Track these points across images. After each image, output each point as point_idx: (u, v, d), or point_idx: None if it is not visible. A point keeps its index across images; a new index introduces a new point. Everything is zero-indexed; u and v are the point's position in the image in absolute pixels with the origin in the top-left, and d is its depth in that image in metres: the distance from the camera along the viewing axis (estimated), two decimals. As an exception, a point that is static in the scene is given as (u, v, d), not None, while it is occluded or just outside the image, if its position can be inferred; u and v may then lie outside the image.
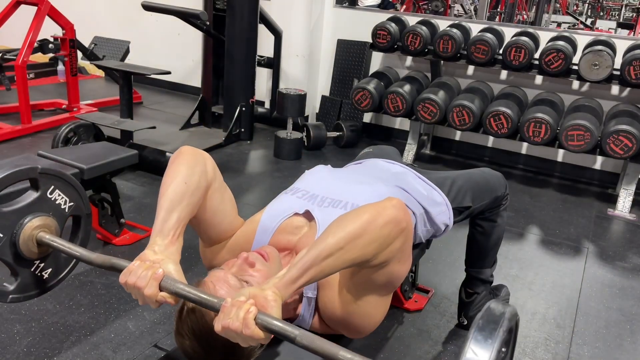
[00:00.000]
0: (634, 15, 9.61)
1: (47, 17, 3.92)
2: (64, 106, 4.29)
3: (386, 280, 1.14)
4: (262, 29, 4.11)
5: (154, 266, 1.02)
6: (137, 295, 1.02)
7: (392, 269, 1.11)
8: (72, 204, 1.32)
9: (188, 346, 1.08)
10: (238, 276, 1.14)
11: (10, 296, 1.25)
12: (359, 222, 1.03)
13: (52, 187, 1.27)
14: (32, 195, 1.24)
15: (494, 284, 2.01)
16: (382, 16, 4.16)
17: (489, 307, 0.86)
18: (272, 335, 0.93)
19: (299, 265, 0.98)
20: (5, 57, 3.92)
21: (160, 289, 1.01)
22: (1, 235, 1.18)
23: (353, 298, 1.18)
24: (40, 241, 1.22)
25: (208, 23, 3.90)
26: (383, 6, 6.13)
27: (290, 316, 1.28)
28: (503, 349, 0.82)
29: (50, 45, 4.09)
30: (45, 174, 1.25)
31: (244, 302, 0.91)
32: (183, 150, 1.24)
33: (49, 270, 1.32)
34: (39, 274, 1.30)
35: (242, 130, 4.06)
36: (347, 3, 4.61)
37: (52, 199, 1.28)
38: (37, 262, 1.28)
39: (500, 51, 3.58)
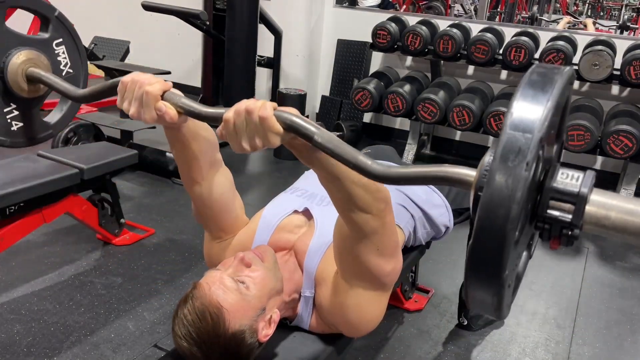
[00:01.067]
0: (634, 15, 9.61)
1: (47, 17, 3.92)
2: (64, 106, 4.29)
3: (367, 269, 1.13)
4: (262, 29, 4.11)
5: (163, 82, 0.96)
6: (136, 96, 0.93)
7: (370, 256, 1.10)
8: (70, 71, 1.25)
9: (186, 349, 1.08)
10: (234, 277, 1.14)
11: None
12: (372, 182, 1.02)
13: (61, 39, 1.21)
14: (39, 35, 1.18)
15: (494, 284, 2.00)
16: (382, 16, 4.16)
17: (537, 65, 0.70)
18: (291, 135, 0.84)
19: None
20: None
21: (163, 99, 0.93)
22: None
23: (344, 290, 1.18)
24: (31, 75, 1.15)
25: (208, 23, 3.90)
26: (383, 6, 6.12)
27: (288, 315, 1.28)
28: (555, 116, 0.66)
29: (50, 45, 4.09)
30: (61, 22, 1.19)
31: (258, 100, 0.86)
32: None
33: (20, 124, 1.24)
34: (8, 120, 1.21)
35: (242, 130, 4.05)
36: (347, 3, 4.61)
37: (56, 52, 1.21)
38: (13, 106, 1.19)
39: (501, 51, 3.58)
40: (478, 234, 0.63)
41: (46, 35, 1.19)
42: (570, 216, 0.65)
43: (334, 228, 1.18)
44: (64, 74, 1.25)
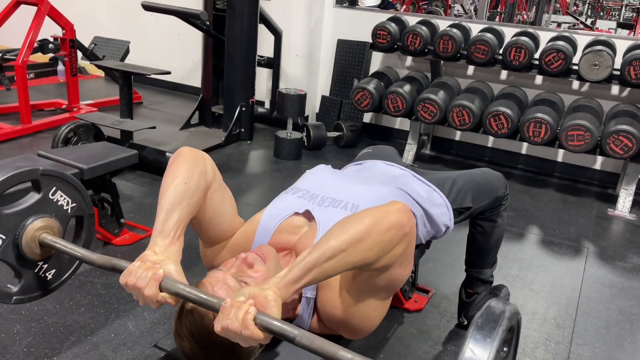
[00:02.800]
0: (634, 15, 9.60)
1: (47, 17, 3.92)
2: (64, 106, 4.29)
3: (387, 283, 1.14)
4: (262, 29, 4.11)
5: (155, 267, 1.02)
6: (137, 295, 1.02)
7: (393, 272, 1.11)
8: (74, 204, 1.32)
9: (187, 347, 1.08)
10: (237, 277, 1.14)
11: (15, 297, 1.25)
12: (362, 225, 1.02)
13: (54, 188, 1.27)
14: (34, 197, 1.24)
15: (494, 284, 2.01)
16: (382, 16, 4.16)
17: (489, 305, 0.85)
18: (272, 335, 0.92)
19: (301, 266, 0.98)
20: (5, 57, 3.92)
21: (161, 289, 1.01)
22: (4, 237, 1.18)
23: (353, 300, 1.17)
24: (42, 242, 1.22)
25: (208, 23, 3.90)
26: (383, 6, 6.12)
27: (289, 316, 1.28)
28: (504, 349, 0.81)
29: (50, 45, 4.09)
30: (46, 175, 1.25)
31: (243, 303, 0.91)
32: (182, 152, 1.24)
33: (52, 271, 1.32)
34: (42, 275, 1.30)
35: (242, 130, 4.06)
36: (347, 3, 4.61)
37: (54, 200, 1.28)
38: (41, 263, 1.28)
39: (500, 51, 3.58)
40: None
41: (39, 195, 1.25)
42: None
43: None
44: (69, 211, 1.33)
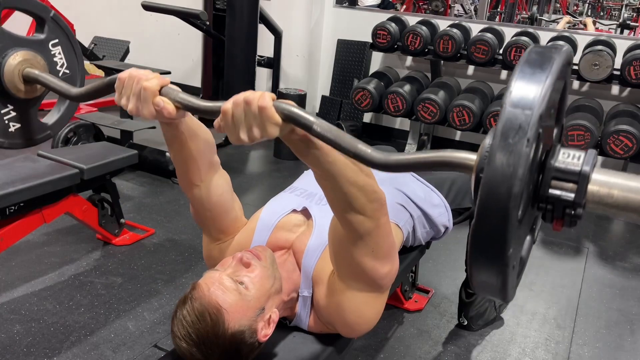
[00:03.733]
0: (634, 15, 9.60)
1: (47, 17, 3.92)
2: (64, 106, 4.29)
3: (362, 271, 1.13)
4: (262, 29, 4.11)
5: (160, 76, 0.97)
6: (133, 92, 0.94)
7: (365, 258, 1.10)
8: (67, 71, 1.25)
9: (185, 349, 1.07)
10: (233, 277, 1.14)
11: None
12: (370, 171, 1.02)
13: (57, 40, 1.20)
14: (35, 36, 1.18)
15: (494, 284, 2.00)
16: (382, 16, 4.16)
17: (534, 46, 0.72)
18: (290, 124, 0.84)
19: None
20: (5, 57, 3.92)
21: (161, 94, 0.93)
22: None
23: (340, 290, 1.18)
24: (27, 76, 1.15)
25: (208, 23, 3.90)
26: (383, 6, 6.12)
27: (287, 315, 1.28)
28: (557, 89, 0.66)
29: (50, 45, 4.09)
30: (56, 22, 1.18)
31: (256, 92, 0.86)
32: None
33: (17, 125, 1.24)
34: (5, 121, 1.21)
35: (242, 130, 4.05)
36: (347, 3, 4.61)
37: (52, 52, 1.21)
38: (10, 107, 1.19)
39: (501, 51, 3.58)
40: (480, 212, 0.62)
41: (42, 36, 1.18)
42: (572, 195, 0.64)
43: (329, 228, 1.18)
44: (60, 74, 1.25)
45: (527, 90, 0.62)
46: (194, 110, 0.92)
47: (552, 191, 0.65)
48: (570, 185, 0.64)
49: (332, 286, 1.19)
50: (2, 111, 1.20)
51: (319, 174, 1.00)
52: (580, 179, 0.63)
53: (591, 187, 0.64)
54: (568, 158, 0.65)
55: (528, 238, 0.76)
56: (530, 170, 0.61)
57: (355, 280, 1.16)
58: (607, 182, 0.64)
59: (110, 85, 1.00)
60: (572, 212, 0.64)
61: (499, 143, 0.60)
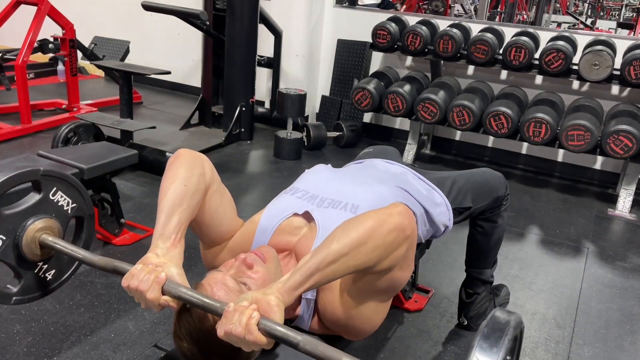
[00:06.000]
0: (634, 15, 9.60)
1: (47, 17, 3.92)
2: (64, 106, 4.29)
3: (387, 285, 1.14)
4: (262, 29, 4.11)
5: (157, 270, 1.02)
6: (139, 299, 1.02)
7: (394, 275, 1.11)
8: (74, 205, 1.32)
9: (186, 349, 1.08)
10: (236, 278, 1.14)
11: (14, 298, 1.25)
12: (363, 228, 1.02)
13: (55, 188, 1.27)
14: (34, 198, 1.24)
15: (494, 284, 2.01)
16: (382, 16, 4.16)
17: (494, 315, 0.86)
18: (274, 341, 0.93)
19: (303, 271, 0.98)
20: (5, 57, 3.92)
21: (163, 292, 1.01)
22: (4, 238, 1.18)
23: (354, 302, 1.17)
24: (43, 243, 1.22)
25: (208, 23, 3.90)
26: (383, 6, 6.13)
27: (289, 317, 1.28)
28: (508, 357, 0.82)
29: (50, 45, 4.08)
30: (47, 176, 1.24)
31: (246, 308, 0.91)
32: (181, 153, 1.24)
33: (52, 271, 1.32)
34: (42, 276, 1.30)
35: (242, 130, 4.06)
36: (347, 3, 4.61)
37: (55, 200, 1.27)
38: (40, 263, 1.28)
39: (500, 51, 3.58)
40: None
41: (39, 196, 1.25)
42: None
43: None
44: (70, 212, 1.33)
45: None
46: (194, 306, 1.00)
47: None
48: None
49: (344, 297, 1.19)
50: (36, 271, 1.29)
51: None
52: None
53: None
54: None
55: None
56: None
57: (372, 295, 1.17)
58: None
59: (119, 272, 1.10)
60: None
61: None
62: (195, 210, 1.19)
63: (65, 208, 1.30)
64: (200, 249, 1.43)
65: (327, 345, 0.88)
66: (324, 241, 1.03)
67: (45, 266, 1.29)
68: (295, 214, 1.37)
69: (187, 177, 1.18)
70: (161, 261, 1.04)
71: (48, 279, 1.32)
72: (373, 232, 1.01)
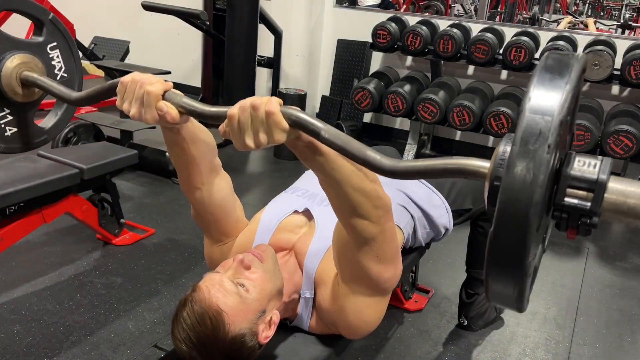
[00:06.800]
0: (634, 15, 9.60)
1: (47, 17, 3.91)
2: (64, 106, 4.29)
3: (366, 275, 1.13)
4: (262, 29, 4.11)
5: (162, 80, 0.96)
6: (136, 96, 0.92)
7: (370, 263, 1.10)
8: (65, 75, 1.23)
9: (185, 352, 1.07)
10: (234, 279, 1.13)
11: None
12: (375, 176, 1.02)
13: (55, 43, 1.19)
14: (34, 39, 1.16)
15: (494, 284, 2.00)
16: (382, 16, 4.16)
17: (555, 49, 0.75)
18: (298, 130, 0.84)
19: (318, 142, 0.90)
20: (5, 57, 3.91)
21: (164, 98, 0.93)
22: None
23: (344, 294, 1.18)
24: (25, 79, 1.14)
25: (208, 23, 3.90)
26: (383, 6, 6.12)
27: (288, 316, 1.28)
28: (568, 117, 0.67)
29: (50, 45, 4.08)
30: (54, 25, 1.16)
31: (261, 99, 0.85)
32: None
33: (14, 130, 1.22)
34: (1, 125, 1.20)
35: (242, 130, 4.05)
36: (347, 3, 4.61)
37: (50, 55, 1.19)
38: (6, 111, 1.17)
39: (501, 51, 3.58)
40: (500, 220, 0.61)
41: (40, 39, 1.17)
42: (589, 204, 0.63)
43: (333, 232, 1.17)
44: (58, 77, 1.23)
45: (547, 96, 0.61)
46: (198, 116, 0.91)
47: (567, 200, 0.64)
48: (586, 193, 0.63)
49: (336, 289, 1.19)
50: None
51: (324, 180, 1.00)
52: (597, 187, 0.63)
53: (607, 196, 0.63)
54: (584, 166, 0.64)
55: (540, 247, 0.75)
56: (550, 178, 0.61)
57: (359, 284, 1.16)
58: (623, 191, 0.63)
59: (112, 89, 0.99)
60: (588, 220, 0.64)
61: (518, 149, 0.59)
62: (202, 139, 1.16)
63: (56, 72, 1.21)
64: (205, 248, 1.42)
65: (349, 137, 0.81)
66: None
67: (10, 118, 1.18)
68: (296, 212, 1.38)
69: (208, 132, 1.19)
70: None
71: (5, 134, 1.19)
72: (376, 184, 1.02)
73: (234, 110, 0.86)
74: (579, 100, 0.74)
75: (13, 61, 1.13)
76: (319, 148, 0.91)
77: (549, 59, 0.66)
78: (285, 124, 0.83)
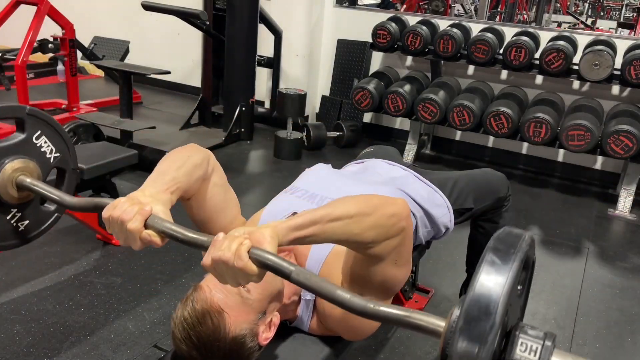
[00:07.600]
0: (634, 15, 9.60)
1: (47, 17, 3.91)
2: (63, 106, 4.29)
3: (382, 281, 1.13)
4: (262, 29, 4.11)
5: (142, 203, 0.97)
6: (120, 231, 0.96)
7: (387, 269, 1.10)
8: (58, 154, 1.24)
9: (186, 352, 1.06)
10: None
11: None
12: (370, 202, 1.03)
13: (40, 132, 1.20)
14: (17, 137, 1.17)
15: (494, 284, 2.00)
16: (382, 16, 4.16)
17: (505, 229, 0.78)
18: (265, 273, 0.87)
19: (305, 217, 0.94)
20: (5, 57, 3.91)
21: (146, 227, 0.95)
22: None
23: None
24: (20, 184, 1.14)
25: (208, 23, 3.90)
26: (383, 6, 6.12)
27: (288, 317, 1.28)
28: (518, 287, 0.73)
29: (50, 45, 4.08)
30: (33, 117, 1.17)
31: (237, 236, 0.87)
32: (188, 145, 1.24)
33: (26, 222, 1.23)
34: (14, 224, 1.21)
35: (242, 130, 4.06)
36: (347, 3, 4.61)
37: (38, 145, 1.20)
38: (14, 210, 1.19)
39: (501, 51, 3.58)
40: None
41: (23, 135, 1.19)
42: None
43: (345, 253, 1.17)
44: (52, 160, 1.26)
45: (490, 285, 0.68)
46: (179, 241, 0.94)
47: None
48: None
49: None
50: (8, 217, 1.21)
51: (328, 242, 1.01)
52: None
53: None
54: (525, 351, 0.67)
55: None
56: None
57: (369, 290, 1.15)
58: None
59: (100, 208, 1.02)
60: None
61: (463, 325, 0.66)
62: (192, 182, 1.16)
63: (47, 156, 1.22)
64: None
65: (321, 278, 0.84)
66: (331, 202, 1.02)
67: (20, 214, 1.20)
68: (295, 213, 1.37)
69: (192, 154, 1.18)
70: (147, 200, 1.00)
71: (20, 230, 1.22)
72: (377, 209, 1.02)
73: (206, 261, 0.88)
74: (531, 265, 0.82)
75: (6, 171, 1.14)
76: (303, 238, 0.94)
77: (496, 241, 0.73)
78: (256, 270, 0.86)
